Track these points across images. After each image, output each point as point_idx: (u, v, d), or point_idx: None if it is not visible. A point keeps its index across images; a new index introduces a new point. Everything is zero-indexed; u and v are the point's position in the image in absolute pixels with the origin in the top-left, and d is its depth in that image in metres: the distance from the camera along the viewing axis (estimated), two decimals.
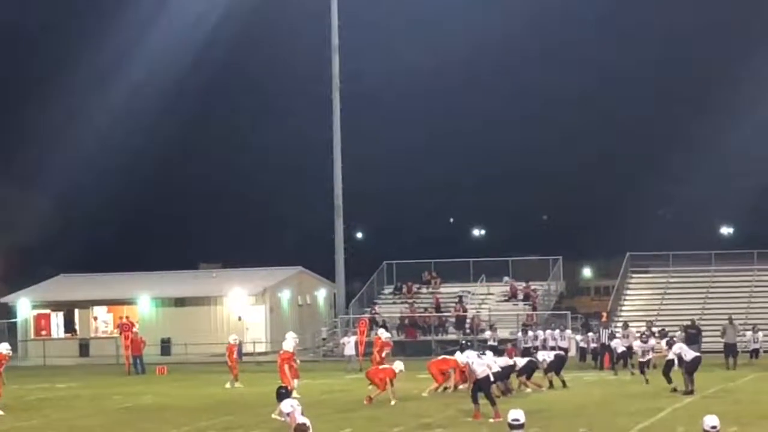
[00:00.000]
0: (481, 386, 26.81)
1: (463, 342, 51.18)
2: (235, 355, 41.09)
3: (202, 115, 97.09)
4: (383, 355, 39.09)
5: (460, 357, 30.82)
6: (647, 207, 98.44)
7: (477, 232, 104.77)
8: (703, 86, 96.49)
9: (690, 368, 32.77)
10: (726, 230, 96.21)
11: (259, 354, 58.43)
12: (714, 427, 13.61)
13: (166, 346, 61.45)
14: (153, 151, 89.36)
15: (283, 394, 24.79)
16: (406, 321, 59.41)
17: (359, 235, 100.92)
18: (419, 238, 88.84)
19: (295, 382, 32.90)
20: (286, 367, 33.12)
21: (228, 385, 39.49)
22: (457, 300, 60.21)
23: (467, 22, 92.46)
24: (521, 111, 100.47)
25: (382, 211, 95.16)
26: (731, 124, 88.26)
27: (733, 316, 48.34)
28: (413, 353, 51.73)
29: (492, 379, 27.45)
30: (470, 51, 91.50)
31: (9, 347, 34.43)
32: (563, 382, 35.45)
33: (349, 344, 49.19)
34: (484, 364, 27.54)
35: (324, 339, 61.27)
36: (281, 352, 34.10)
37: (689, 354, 33.19)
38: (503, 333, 52.35)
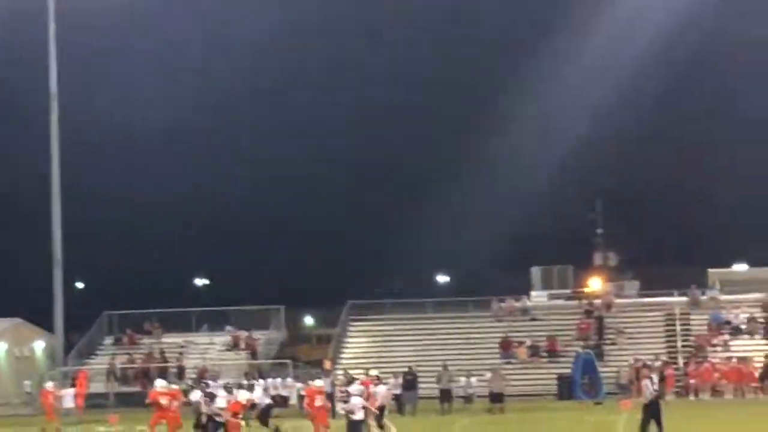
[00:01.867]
0: None
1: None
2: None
3: None
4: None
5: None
6: (369, 255, 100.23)
7: (199, 282, 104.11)
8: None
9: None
10: (442, 278, 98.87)
11: None
12: None
13: None
14: None
15: None
16: (128, 372, 58.69)
17: (79, 285, 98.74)
18: (140, 287, 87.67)
19: None
20: None
21: None
22: (179, 350, 59.91)
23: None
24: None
25: (102, 260, 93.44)
26: (448, 176, 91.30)
27: (449, 363, 49.88)
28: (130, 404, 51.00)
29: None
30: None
31: None
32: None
33: (68, 396, 48.12)
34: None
35: (28, 393, 59.10)
36: None
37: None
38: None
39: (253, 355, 60.27)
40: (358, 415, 27.01)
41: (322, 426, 31.53)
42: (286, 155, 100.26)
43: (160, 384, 34.22)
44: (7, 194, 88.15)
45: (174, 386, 34.50)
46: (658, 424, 29.71)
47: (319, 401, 32.06)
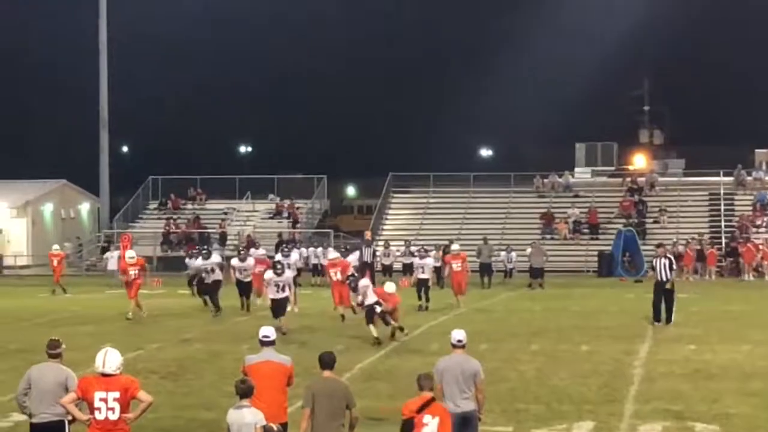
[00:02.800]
0: None
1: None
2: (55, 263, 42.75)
3: None
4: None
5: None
6: (410, 128, 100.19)
7: (243, 149, 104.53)
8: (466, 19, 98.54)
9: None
10: (485, 152, 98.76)
11: (21, 267, 57.44)
12: (460, 341, 14.09)
13: None
14: None
15: None
16: (171, 237, 59.30)
17: (125, 149, 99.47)
18: (185, 154, 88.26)
19: None
20: None
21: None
22: (222, 216, 60.40)
23: None
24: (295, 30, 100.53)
25: (149, 125, 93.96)
26: (497, 49, 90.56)
27: (489, 237, 50.05)
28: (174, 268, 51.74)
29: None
30: None
31: None
32: None
33: (112, 259, 48.85)
34: None
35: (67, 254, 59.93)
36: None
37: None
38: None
39: (295, 223, 60.69)
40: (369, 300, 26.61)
41: (343, 301, 30.95)
42: (332, 27, 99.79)
43: (129, 255, 34.14)
44: (55, 57, 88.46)
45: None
46: (667, 307, 29.90)
47: (334, 275, 31.52)
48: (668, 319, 29.79)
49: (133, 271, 32.84)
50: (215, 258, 35.10)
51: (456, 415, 13.12)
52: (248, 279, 33.85)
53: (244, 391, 12.31)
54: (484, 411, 14.14)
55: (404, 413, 12.38)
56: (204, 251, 36.32)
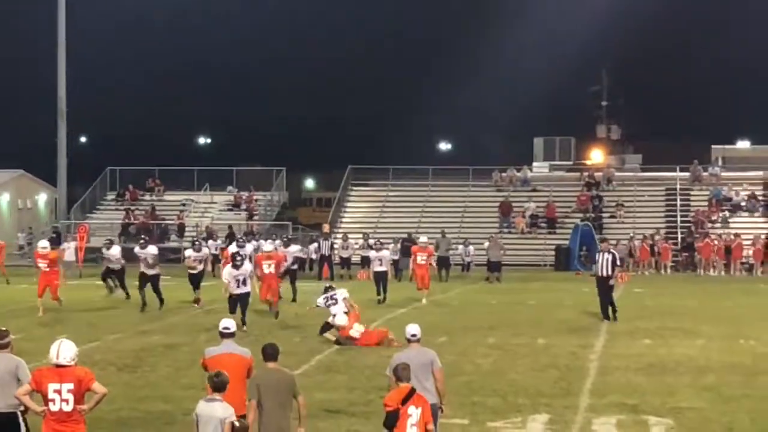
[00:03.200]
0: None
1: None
2: None
3: None
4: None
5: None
6: (370, 121, 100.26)
7: (202, 140, 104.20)
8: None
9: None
10: (444, 146, 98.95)
11: None
12: (414, 335, 14.06)
13: None
14: None
15: None
16: (130, 228, 59.01)
17: (83, 139, 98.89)
18: (144, 144, 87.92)
19: None
20: None
21: None
22: (180, 208, 60.22)
23: None
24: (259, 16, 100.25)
25: (107, 115, 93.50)
26: (458, 44, 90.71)
27: (448, 231, 50.16)
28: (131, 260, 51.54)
29: None
30: None
31: None
32: None
33: (69, 250, 48.54)
34: None
35: (20, 245, 59.52)
36: None
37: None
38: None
39: (251, 215, 60.61)
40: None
41: (271, 294, 29.89)
42: (296, 17, 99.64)
43: (41, 245, 32.09)
44: (14, 47, 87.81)
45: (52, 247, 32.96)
46: (610, 301, 29.73)
47: (267, 268, 29.90)
48: (614, 316, 29.61)
49: (42, 264, 30.77)
50: (204, 251, 34.91)
51: None
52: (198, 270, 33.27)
53: (218, 386, 12.27)
54: (446, 401, 14.10)
55: (388, 405, 12.38)
56: (196, 243, 35.69)
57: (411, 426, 12.29)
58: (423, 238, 39.22)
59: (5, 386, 12.79)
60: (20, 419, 12.92)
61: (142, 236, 39.01)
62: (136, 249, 33.57)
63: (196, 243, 35.83)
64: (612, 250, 30.52)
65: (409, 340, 14.12)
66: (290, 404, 12.89)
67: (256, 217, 60.65)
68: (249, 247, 38.01)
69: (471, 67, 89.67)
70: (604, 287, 29.79)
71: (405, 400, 12.34)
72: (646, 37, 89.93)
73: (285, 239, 41.36)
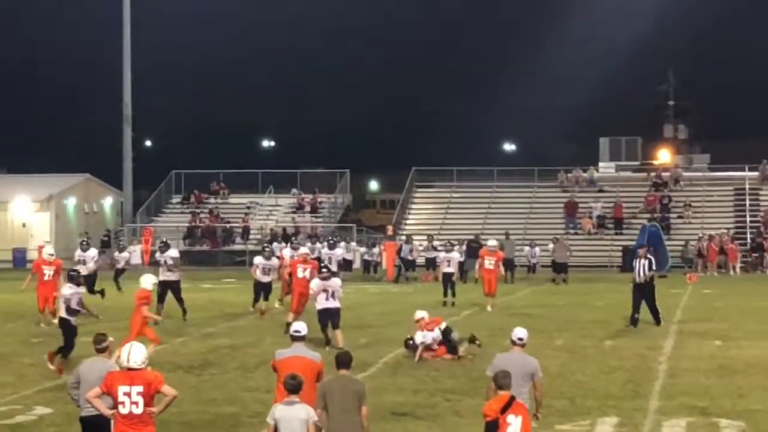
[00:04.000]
0: None
1: None
2: None
3: None
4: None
5: None
6: (434, 122, 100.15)
7: (266, 144, 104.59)
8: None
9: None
10: (509, 147, 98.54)
11: None
12: (520, 339, 14.08)
13: None
14: None
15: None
16: (198, 231, 59.38)
17: (148, 143, 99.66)
18: (208, 148, 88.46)
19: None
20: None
21: None
22: (245, 210, 60.50)
23: None
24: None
25: (172, 119, 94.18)
26: (521, 45, 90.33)
27: (512, 232, 49.91)
28: (197, 263, 52.06)
29: None
30: None
31: None
32: None
33: (135, 253, 48.92)
34: None
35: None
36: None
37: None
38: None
39: (317, 218, 60.74)
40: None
41: (302, 303, 26.84)
42: (355, 24, 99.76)
43: (47, 251, 30.48)
44: (81, 52, 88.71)
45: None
46: (650, 307, 28.73)
47: (301, 272, 27.33)
48: (656, 320, 28.77)
49: (48, 271, 28.98)
50: (274, 261, 32.30)
51: None
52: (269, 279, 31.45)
53: (295, 387, 12.21)
54: (541, 410, 13.97)
55: (488, 415, 12.23)
56: (267, 250, 33.04)
57: None
58: (491, 242, 38.54)
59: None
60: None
61: (163, 239, 35.64)
62: (157, 254, 32.17)
63: (266, 249, 33.36)
64: (649, 255, 29.45)
65: (514, 343, 14.07)
66: (356, 411, 12.72)
67: (320, 220, 60.78)
68: (303, 249, 37.45)
69: (535, 66, 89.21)
70: (644, 292, 28.73)
71: (504, 409, 12.18)
72: (713, 35, 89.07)
73: (330, 241, 41.07)
